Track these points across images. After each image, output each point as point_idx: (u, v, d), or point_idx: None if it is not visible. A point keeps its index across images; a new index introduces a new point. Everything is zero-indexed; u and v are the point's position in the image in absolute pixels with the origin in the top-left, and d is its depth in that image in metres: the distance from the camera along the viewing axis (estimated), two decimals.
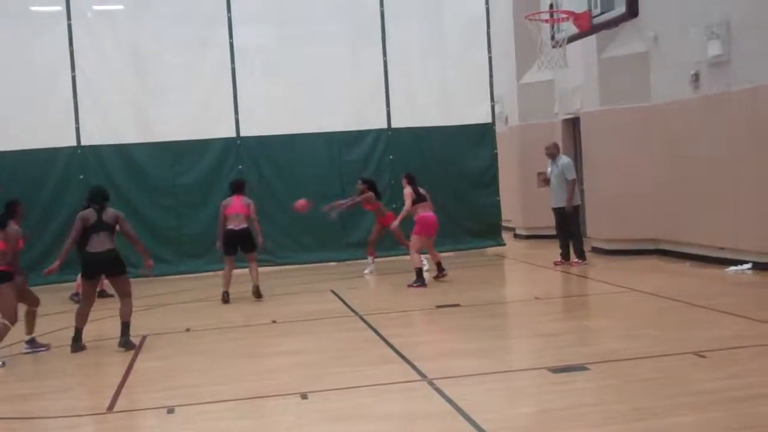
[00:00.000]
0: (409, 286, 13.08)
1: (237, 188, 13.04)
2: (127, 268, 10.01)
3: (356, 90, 17.16)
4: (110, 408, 7.28)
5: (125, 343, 9.63)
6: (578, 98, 16.61)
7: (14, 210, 9.74)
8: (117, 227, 9.84)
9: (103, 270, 9.87)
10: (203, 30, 16.82)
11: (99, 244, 9.66)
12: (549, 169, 14.76)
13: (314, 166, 17.03)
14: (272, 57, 16.96)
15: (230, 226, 12.67)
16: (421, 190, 13.58)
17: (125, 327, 9.70)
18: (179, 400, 7.36)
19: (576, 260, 14.45)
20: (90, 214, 9.76)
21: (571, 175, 14.53)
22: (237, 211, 12.71)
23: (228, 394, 7.77)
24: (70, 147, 16.31)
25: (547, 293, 12.48)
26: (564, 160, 14.77)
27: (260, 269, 13.01)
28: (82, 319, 9.83)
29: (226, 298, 12.62)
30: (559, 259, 14.65)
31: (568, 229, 14.60)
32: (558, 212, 14.69)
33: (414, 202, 13.42)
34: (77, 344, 9.78)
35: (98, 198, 9.85)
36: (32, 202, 15.86)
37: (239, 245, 12.78)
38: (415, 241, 13.39)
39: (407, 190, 13.53)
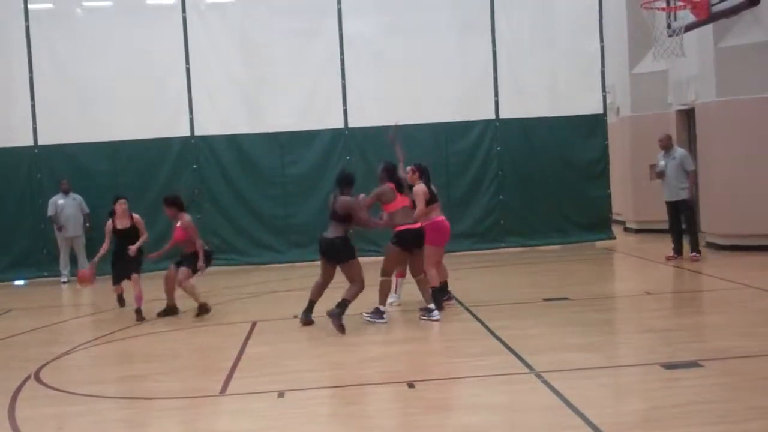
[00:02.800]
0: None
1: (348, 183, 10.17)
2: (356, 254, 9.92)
3: (464, 80, 17.01)
4: (223, 391, 7.47)
5: (330, 313, 9.55)
6: (693, 89, 16.11)
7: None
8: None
9: (324, 255, 9.92)
10: (313, 21, 17.00)
11: (328, 230, 9.81)
12: (662, 162, 14.36)
13: (421, 158, 16.75)
14: (380, 47, 16.99)
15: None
16: (433, 187, 10.81)
17: (343, 302, 9.69)
18: (289, 384, 7.49)
19: (694, 254, 14.03)
20: (330, 200, 9.98)
21: (691, 165, 14.19)
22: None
23: (336, 380, 7.92)
24: (184, 137, 16.70)
25: (658, 288, 12.14)
26: (681, 151, 14.40)
27: (364, 259, 10.36)
28: (317, 292, 10.05)
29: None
30: (672, 254, 14.25)
31: (686, 223, 14.21)
32: (673, 205, 14.27)
33: (427, 203, 10.52)
34: (307, 315, 10.05)
35: (339, 184, 9.94)
36: (146, 190, 16.36)
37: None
38: (432, 253, 10.40)
39: (419, 187, 10.51)
